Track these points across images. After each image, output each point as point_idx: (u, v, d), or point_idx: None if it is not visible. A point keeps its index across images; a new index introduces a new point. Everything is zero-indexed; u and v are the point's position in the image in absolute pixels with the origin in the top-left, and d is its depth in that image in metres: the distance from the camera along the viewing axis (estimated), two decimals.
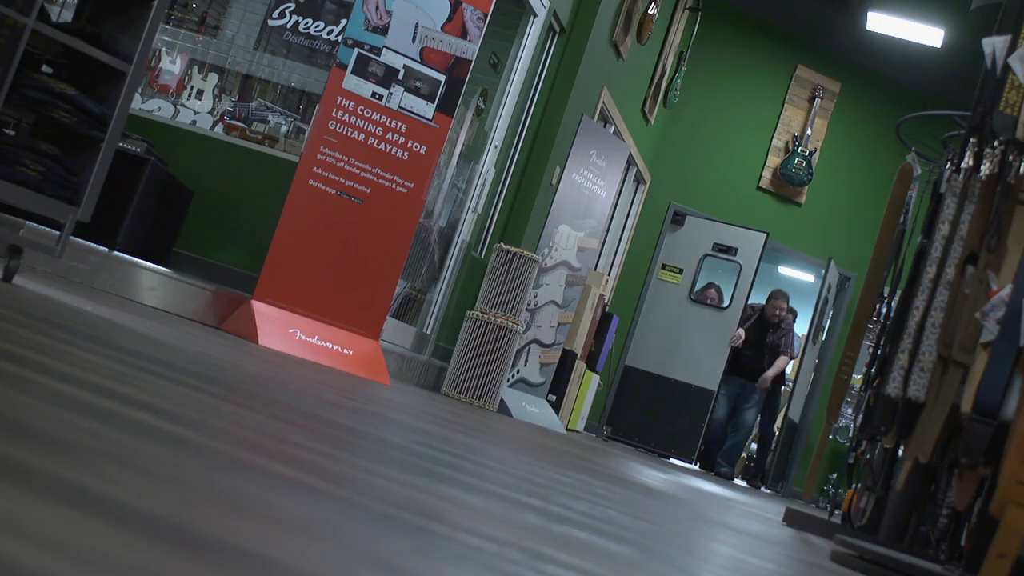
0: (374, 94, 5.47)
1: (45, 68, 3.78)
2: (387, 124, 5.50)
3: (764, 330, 10.50)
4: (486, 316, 7.00)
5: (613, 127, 9.87)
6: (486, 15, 5.70)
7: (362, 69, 5.45)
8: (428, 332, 7.41)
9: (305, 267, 5.39)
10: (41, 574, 0.56)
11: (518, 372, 7.87)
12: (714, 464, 10.76)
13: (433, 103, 5.57)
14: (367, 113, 5.46)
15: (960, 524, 3.23)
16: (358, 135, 5.45)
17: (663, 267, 11.33)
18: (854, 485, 4.37)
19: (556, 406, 8.47)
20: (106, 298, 4.41)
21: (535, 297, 7.87)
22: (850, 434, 7.72)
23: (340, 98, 5.42)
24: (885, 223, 4.32)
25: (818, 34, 11.68)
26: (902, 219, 4.39)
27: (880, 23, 10.70)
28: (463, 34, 5.62)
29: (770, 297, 10.55)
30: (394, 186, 5.52)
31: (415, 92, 5.53)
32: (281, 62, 7.39)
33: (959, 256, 3.50)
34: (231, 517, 0.88)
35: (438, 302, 7.46)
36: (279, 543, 0.84)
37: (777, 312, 10.41)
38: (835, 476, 11.11)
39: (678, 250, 11.32)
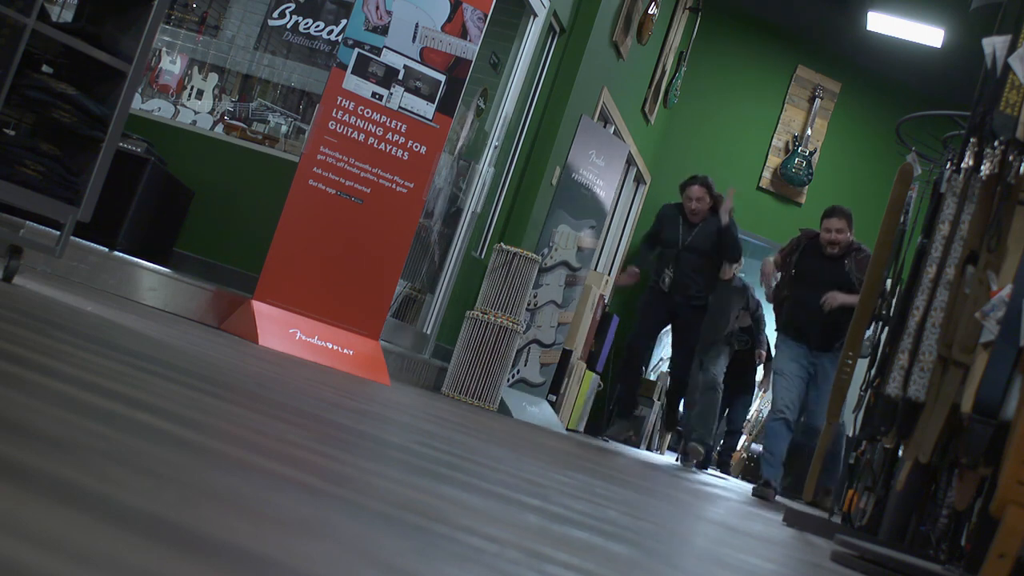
0: (374, 94, 5.47)
1: (45, 68, 3.78)
2: (387, 124, 5.50)
3: (834, 268, 6.92)
4: (486, 316, 7.00)
5: (613, 127, 9.87)
6: (486, 15, 5.70)
7: (362, 69, 5.45)
8: (428, 332, 7.41)
9: (305, 267, 5.39)
10: (41, 574, 0.56)
11: (518, 372, 7.87)
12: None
13: (433, 103, 5.57)
14: (367, 113, 5.46)
15: (960, 524, 3.23)
16: (358, 135, 5.45)
17: None
18: (854, 485, 4.37)
19: (556, 406, 8.47)
20: (106, 298, 4.41)
21: (535, 297, 7.88)
22: (849, 434, 7.71)
23: (340, 98, 5.42)
24: (885, 223, 4.32)
25: (818, 34, 11.68)
26: (902, 219, 4.40)
27: (880, 23, 10.70)
28: (463, 34, 5.62)
29: (824, 217, 7.04)
30: (394, 186, 5.52)
31: (415, 92, 5.53)
32: (281, 62, 7.39)
33: (959, 256, 3.50)
34: (231, 517, 0.88)
35: (438, 302, 7.46)
36: (279, 543, 0.84)
37: (831, 237, 6.86)
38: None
39: None
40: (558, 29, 8.14)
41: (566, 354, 8.54)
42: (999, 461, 2.59)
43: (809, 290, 6.86)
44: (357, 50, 5.45)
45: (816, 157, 11.95)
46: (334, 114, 5.41)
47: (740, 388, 10.94)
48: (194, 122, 7.29)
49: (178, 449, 1.18)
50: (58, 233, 3.68)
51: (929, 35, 10.54)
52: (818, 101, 11.91)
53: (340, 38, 5.76)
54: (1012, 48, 3.57)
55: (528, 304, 7.72)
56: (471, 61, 5.66)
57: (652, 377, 11.82)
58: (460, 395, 6.93)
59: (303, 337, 5.23)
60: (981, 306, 3.11)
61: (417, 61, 5.54)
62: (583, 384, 9.28)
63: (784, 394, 6.93)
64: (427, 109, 5.56)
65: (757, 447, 13.58)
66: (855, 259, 6.84)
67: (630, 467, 5.28)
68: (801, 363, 6.96)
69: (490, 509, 1.55)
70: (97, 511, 0.74)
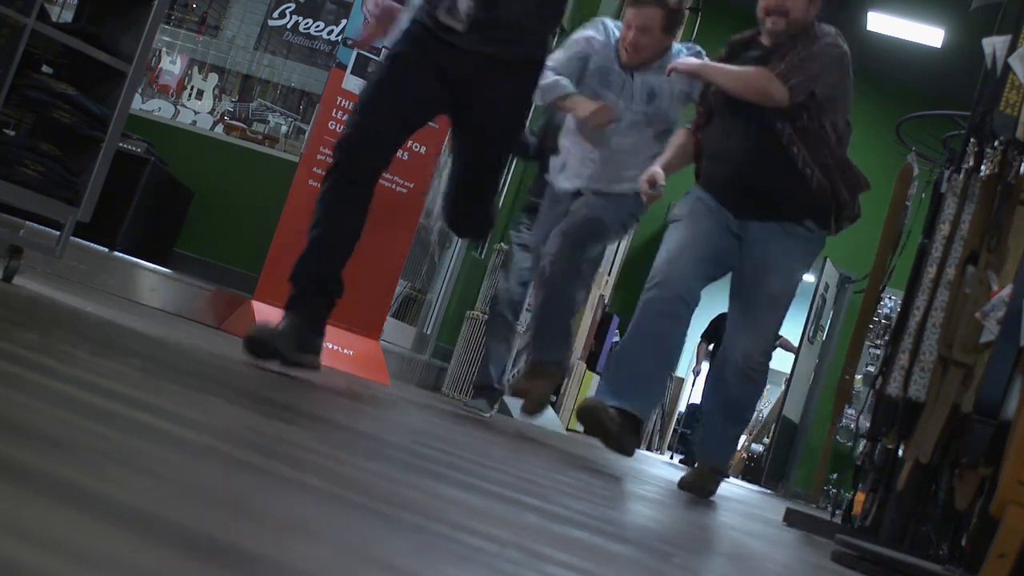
0: None
1: (45, 68, 3.78)
2: None
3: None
4: (486, 316, 7.00)
5: None
6: None
7: (362, 69, 5.45)
8: (428, 332, 7.41)
9: None
10: (41, 574, 0.56)
11: (518, 372, 7.86)
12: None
13: None
14: None
15: (960, 524, 3.23)
16: None
17: None
18: (859, 486, 4.37)
19: (556, 406, 8.46)
20: (106, 298, 4.41)
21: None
22: (852, 434, 7.68)
23: (340, 98, 5.42)
24: (888, 224, 4.32)
25: None
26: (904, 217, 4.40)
27: (880, 23, 10.70)
28: None
29: None
30: (394, 186, 5.51)
31: None
32: (281, 62, 7.39)
33: (959, 256, 3.50)
34: (231, 517, 0.88)
35: (438, 302, 7.46)
36: (279, 543, 0.84)
37: (771, 2, 4.04)
38: (835, 476, 11.12)
39: None
40: (558, 29, 8.13)
41: None
42: (999, 461, 2.59)
43: (730, 117, 3.93)
44: (357, 50, 5.45)
45: None
46: (334, 114, 5.41)
47: None
48: (194, 122, 7.29)
49: (178, 449, 1.18)
50: (58, 233, 3.68)
51: (929, 35, 10.54)
52: None
53: (340, 38, 5.76)
54: (1012, 48, 3.57)
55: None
56: None
57: None
58: (460, 395, 6.93)
59: None
60: (981, 306, 3.11)
61: None
62: (583, 384, 9.28)
63: (670, 257, 3.83)
64: None
65: (758, 447, 13.56)
66: (801, 53, 3.82)
67: (628, 467, 5.28)
68: (716, 225, 3.92)
69: (490, 509, 1.55)
70: (97, 511, 0.74)
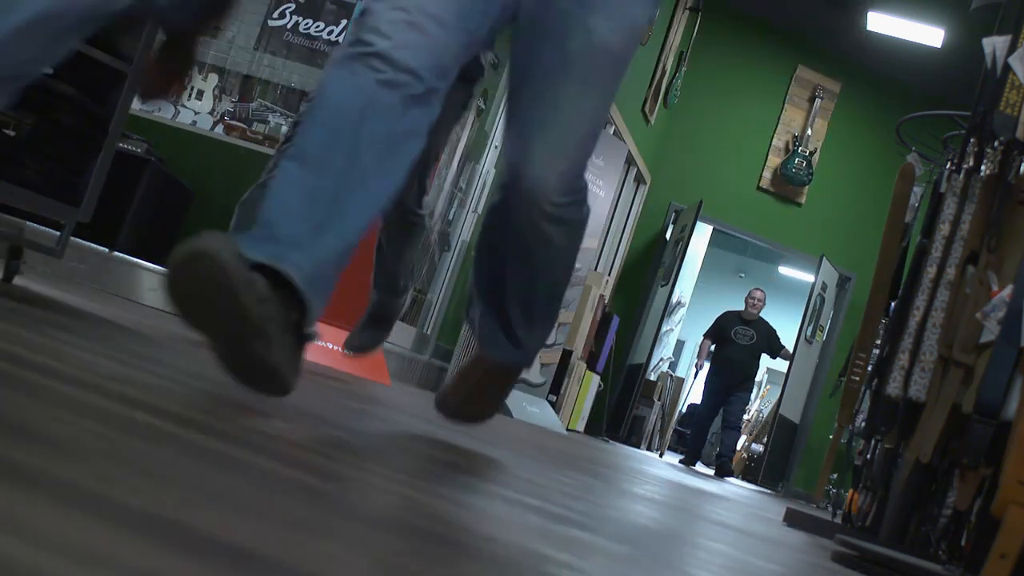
0: None
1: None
2: None
3: None
4: None
5: (613, 127, 9.87)
6: None
7: None
8: (428, 332, 7.41)
9: None
10: (41, 574, 0.56)
11: None
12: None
13: None
14: None
15: (960, 524, 3.23)
16: None
17: None
18: (856, 486, 4.37)
19: (556, 406, 8.47)
20: (106, 298, 4.41)
21: None
22: (852, 434, 7.67)
23: None
24: (890, 224, 4.32)
25: (818, 34, 11.68)
26: (908, 217, 4.40)
27: (880, 23, 10.71)
28: None
29: None
30: None
31: None
32: (281, 62, 7.39)
33: (959, 256, 3.50)
34: (231, 517, 0.88)
35: (438, 302, 7.46)
36: (279, 543, 0.83)
37: None
38: (835, 476, 11.11)
39: None
40: None
41: (566, 354, 8.54)
42: (1000, 461, 2.59)
43: None
44: None
45: (816, 157, 11.96)
46: None
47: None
48: (194, 123, 7.29)
49: (178, 449, 1.18)
50: (58, 234, 3.68)
51: (929, 35, 10.55)
52: (818, 101, 11.92)
53: (340, 38, 5.75)
54: (1012, 48, 3.57)
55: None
56: None
57: (652, 377, 11.82)
58: None
59: None
60: (982, 306, 3.11)
61: None
62: (583, 384, 9.28)
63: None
64: None
65: (758, 447, 13.56)
66: None
67: (629, 467, 5.28)
68: None
69: (490, 509, 1.55)
70: (97, 511, 0.74)
